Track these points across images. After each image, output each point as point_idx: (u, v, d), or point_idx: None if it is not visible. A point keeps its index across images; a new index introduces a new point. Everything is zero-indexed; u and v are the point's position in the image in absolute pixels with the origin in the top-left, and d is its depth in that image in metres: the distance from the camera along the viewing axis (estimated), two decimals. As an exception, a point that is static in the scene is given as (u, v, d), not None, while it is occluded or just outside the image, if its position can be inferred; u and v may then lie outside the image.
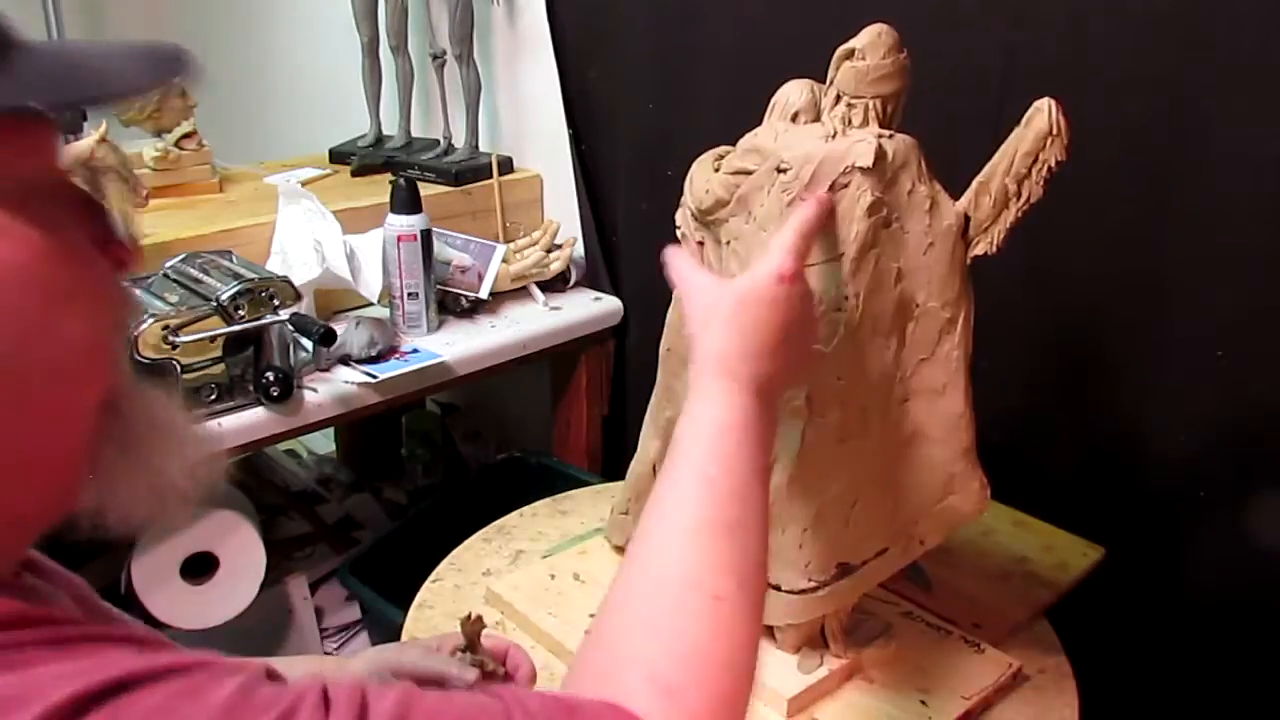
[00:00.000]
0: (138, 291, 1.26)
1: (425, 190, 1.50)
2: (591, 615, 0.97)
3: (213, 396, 1.23)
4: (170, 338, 1.18)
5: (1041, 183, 0.78)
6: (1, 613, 0.40)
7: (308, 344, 1.31)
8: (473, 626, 0.77)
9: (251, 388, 1.25)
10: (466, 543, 1.16)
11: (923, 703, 0.89)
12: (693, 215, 0.86)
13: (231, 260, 1.32)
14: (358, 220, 1.50)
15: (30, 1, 2.08)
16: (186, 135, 1.61)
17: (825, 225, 0.77)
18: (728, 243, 0.85)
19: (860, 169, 0.77)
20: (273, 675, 0.43)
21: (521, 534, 1.17)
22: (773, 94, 0.82)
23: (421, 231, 1.44)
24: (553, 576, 1.06)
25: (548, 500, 1.25)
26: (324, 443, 1.95)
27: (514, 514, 1.21)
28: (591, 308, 1.62)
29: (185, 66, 0.43)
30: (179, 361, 1.20)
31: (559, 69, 1.61)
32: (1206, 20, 0.99)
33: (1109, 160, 1.09)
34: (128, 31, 2.38)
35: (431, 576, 1.10)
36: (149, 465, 0.48)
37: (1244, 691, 1.12)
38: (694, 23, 1.38)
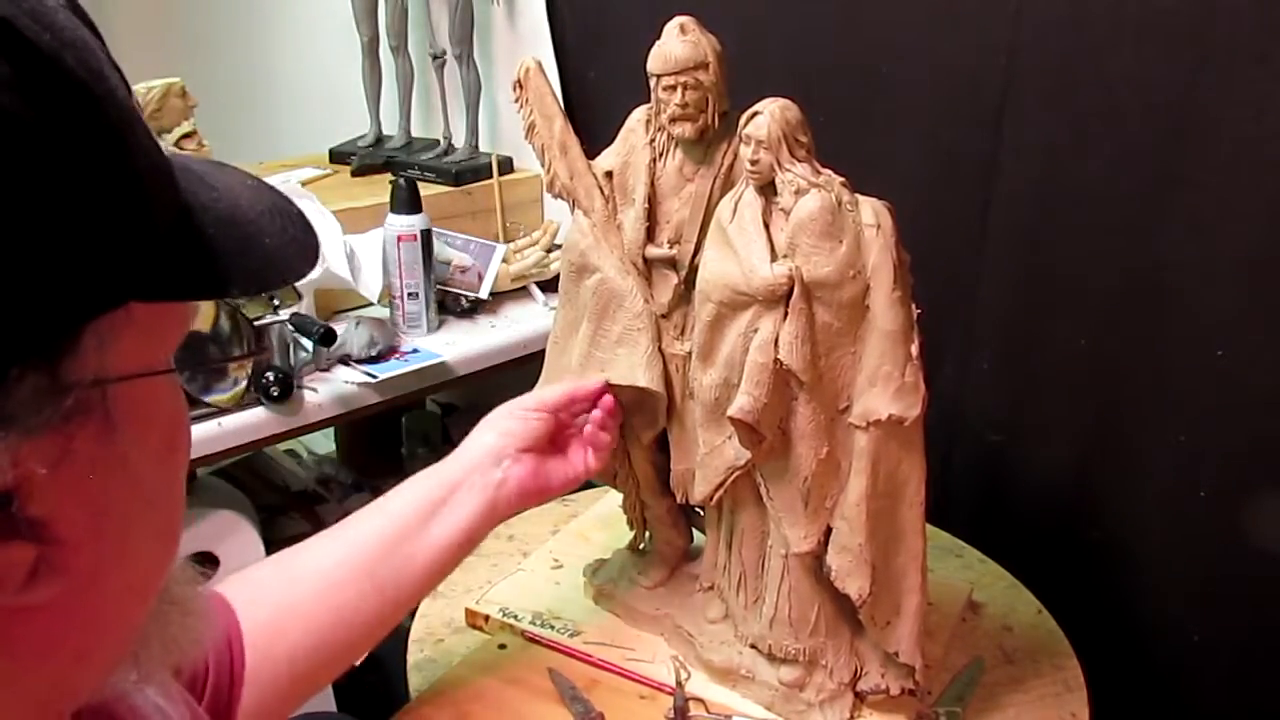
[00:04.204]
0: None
1: (425, 190, 1.50)
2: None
3: (213, 396, 1.23)
4: (170, 338, 1.18)
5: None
6: None
7: (308, 344, 1.31)
8: None
9: (252, 388, 1.25)
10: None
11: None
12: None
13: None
14: (358, 220, 1.50)
15: (30, 1, 2.08)
16: (186, 135, 1.61)
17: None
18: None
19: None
20: None
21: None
22: (772, 95, 0.82)
23: (421, 231, 1.44)
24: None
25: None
26: (324, 443, 1.95)
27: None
28: (591, 308, 1.61)
29: (316, 239, 0.44)
30: (179, 361, 1.20)
31: (559, 69, 1.61)
32: (1207, 20, 0.99)
33: (1109, 160, 1.09)
34: (128, 31, 2.38)
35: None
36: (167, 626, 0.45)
37: (1245, 690, 1.12)
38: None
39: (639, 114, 0.90)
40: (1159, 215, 1.07)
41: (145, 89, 1.61)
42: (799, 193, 0.77)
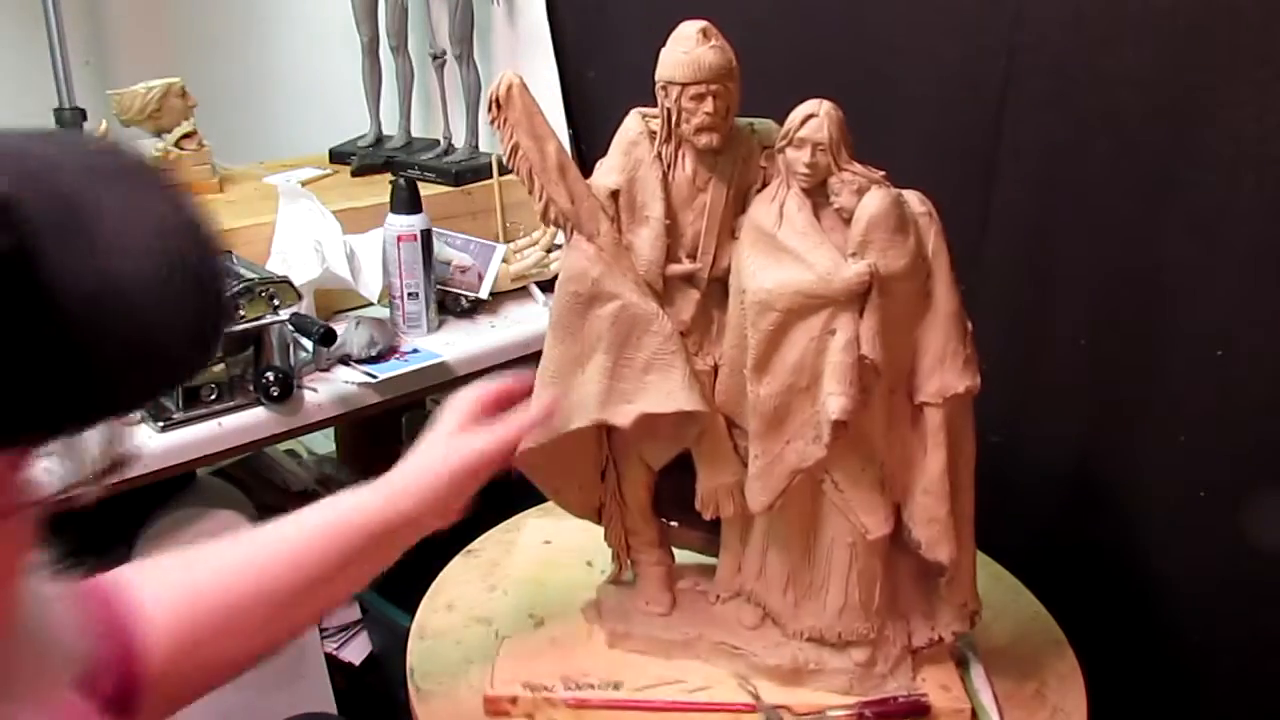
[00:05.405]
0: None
1: (425, 190, 1.50)
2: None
3: (213, 396, 1.23)
4: (170, 338, 1.18)
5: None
6: None
7: (308, 344, 1.31)
8: None
9: (251, 388, 1.25)
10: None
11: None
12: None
13: (232, 260, 1.32)
14: (358, 220, 1.50)
15: (31, 2, 2.08)
16: (186, 135, 1.61)
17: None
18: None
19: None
20: None
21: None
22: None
23: (421, 231, 1.44)
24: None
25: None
26: (324, 443, 1.95)
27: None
28: (591, 308, 1.61)
29: (228, 310, 0.44)
30: (179, 361, 1.20)
31: (559, 69, 1.61)
32: (1207, 19, 0.99)
33: (1109, 160, 1.09)
34: (128, 32, 2.38)
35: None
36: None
37: (1245, 690, 1.12)
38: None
39: (637, 126, 0.85)
40: (1159, 215, 1.07)
41: (145, 89, 1.61)
42: (860, 191, 0.79)
